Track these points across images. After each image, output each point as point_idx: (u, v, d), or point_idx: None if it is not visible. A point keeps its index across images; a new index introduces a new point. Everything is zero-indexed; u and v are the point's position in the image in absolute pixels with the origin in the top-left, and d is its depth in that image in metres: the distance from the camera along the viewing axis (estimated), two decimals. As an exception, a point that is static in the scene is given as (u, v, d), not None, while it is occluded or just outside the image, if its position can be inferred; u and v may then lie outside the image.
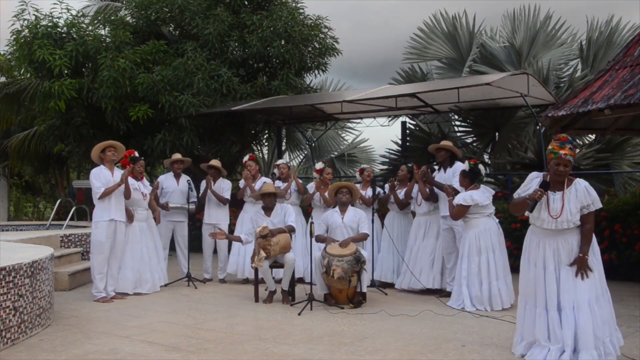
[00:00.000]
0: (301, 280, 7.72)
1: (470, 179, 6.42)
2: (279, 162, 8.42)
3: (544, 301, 4.35)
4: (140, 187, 7.33)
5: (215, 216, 8.21)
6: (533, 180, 4.45)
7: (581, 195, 4.25)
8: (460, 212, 6.29)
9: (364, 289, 6.50)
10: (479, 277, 6.26)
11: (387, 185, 7.91)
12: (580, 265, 4.22)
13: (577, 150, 10.50)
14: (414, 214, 7.63)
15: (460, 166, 6.71)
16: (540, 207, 4.33)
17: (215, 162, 8.28)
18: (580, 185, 4.29)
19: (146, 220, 7.50)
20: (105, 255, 6.87)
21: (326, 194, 7.63)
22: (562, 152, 4.24)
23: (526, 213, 4.42)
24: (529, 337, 4.46)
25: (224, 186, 8.24)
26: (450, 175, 6.87)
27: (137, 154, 7.50)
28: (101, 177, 6.86)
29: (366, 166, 8.37)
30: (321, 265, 6.39)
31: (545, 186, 4.29)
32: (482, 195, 6.32)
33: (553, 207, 4.28)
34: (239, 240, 7.24)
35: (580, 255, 4.23)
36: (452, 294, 6.54)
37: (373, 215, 7.56)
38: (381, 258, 7.73)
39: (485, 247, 6.29)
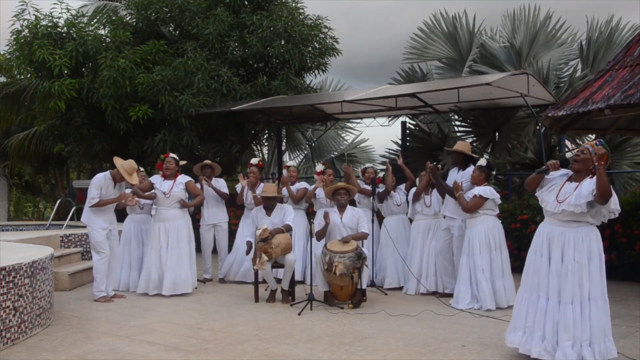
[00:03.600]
0: (300, 282, 7.70)
1: (486, 175, 6.47)
2: (290, 164, 8.36)
3: (538, 289, 4.35)
4: (163, 186, 7.16)
5: (215, 215, 8.20)
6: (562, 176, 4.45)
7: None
8: (477, 205, 6.31)
9: (364, 286, 6.51)
10: (485, 274, 6.27)
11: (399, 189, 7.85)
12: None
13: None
14: (410, 220, 7.59)
15: (471, 170, 6.68)
16: (551, 191, 4.32)
17: (208, 161, 8.28)
18: None
19: (172, 221, 7.15)
20: (106, 254, 6.88)
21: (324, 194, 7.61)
22: (587, 144, 4.31)
23: (538, 192, 4.41)
24: (522, 325, 4.43)
25: (219, 184, 8.23)
26: (459, 177, 6.81)
27: (171, 155, 7.36)
28: (102, 188, 6.83)
29: (369, 165, 8.34)
30: (322, 262, 6.39)
31: (564, 163, 4.30)
32: (496, 193, 6.42)
33: (564, 192, 4.26)
34: (250, 246, 6.99)
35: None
36: (454, 293, 6.54)
37: (373, 216, 7.55)
38: (382, 262, 7.68)
39: (494, 244, 6.35)
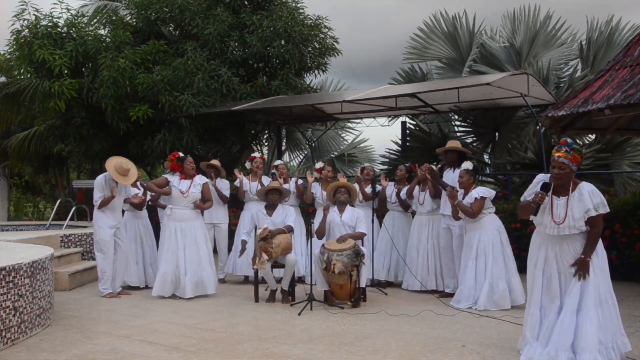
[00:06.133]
0: (302, 280, 7.71)
1: (475, 178, 6.56)
2: (277, 163, 8.37)
3: (539, 302, 4.35)
4: (181, 185, 7.02)
5: (215, 216, 8.19)
6: (538, 184, 4.39)
7: (585, 199, 4.16)
8: (481, 206, 6.36)
9: (363, 284, 6.51)
10: (501, 274, 6.29)
11: (388, 186, 7.91)
12: (581, 267, 4.16)
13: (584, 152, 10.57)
14: (413, 213, 7.64)
15: (467, 165, 6.72)
16: (544, 211, 4.27)
17: (215, 162, 8.30)
18: (585, 189, 4.20)
19: (188, 221, 7.05)
20: (110, 253, 7.01)
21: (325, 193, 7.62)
22: (556, 154, 4.22)
23: (531, 217, 4.37)
24: (532, 337, 4.41)
25: (222, 186, 8.24)
26: (455, 176, 6.85)
27: (181, 155, 7.21)
28: (104, 189, 7.01)
29: (367, 164, 8.37)
30: (321, 261, 6.39)
31: (545, 188, 4.25)
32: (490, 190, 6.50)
33: (557, 212, 4.22)
34: (244, 244, 7.07)
35: (582, 256, 4.16)
36: (455, 293, 6.54)
37: (373, 216, 7.56)
38: (379, 256, 7.73)
39: (505, 242, 6.40)
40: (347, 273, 6.26)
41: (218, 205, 8.21)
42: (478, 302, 6.25)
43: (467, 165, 6.58)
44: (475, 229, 6.43)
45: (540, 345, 4.26)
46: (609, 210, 4.23)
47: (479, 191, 6.40)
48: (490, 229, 6.39)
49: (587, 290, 4.17)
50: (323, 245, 6.55)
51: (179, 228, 7.02)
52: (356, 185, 7.59)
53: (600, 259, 4.26)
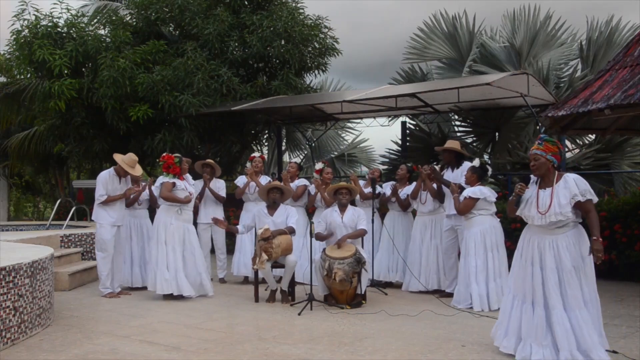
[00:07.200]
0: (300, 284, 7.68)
1: (479, 176, 6.50)
2: (292, 162, 8.50)
3: (532, 297, 4.40)
4: (187, 187, 7.05)
5: (212, 215, 8.17)
6: (531, 185, 4.55)
7: (570, 186, 4.30)
8: (467, 206, 6.33)
9: (363, 290, 6.51)
10: (484, 275, 6.29)
11: (385, 185, 7.92)
12: (596, 249, 4.19)
13: (577, 150, 10.59)
14: (414, 213, 7.64)
15: (468, 165, 6.73)
16: (531, 205, 4.40)
17: (210, 161, 8.30)
18: (570, 177, 4.37)
19: (191, 221, 7.19)
20: (110, 253, 7.03)
21: (326, 193, 7.61)
22: (531, 149, 4.48)
23: (517, 212, 4.50)
24: (515, 332, 4.48)
25: (218, 185, 8.24)
26: (459, 175, 6.88)
27: (176, 157, 7.13)
28: (108, 185, 7.03)
29: (374, 167, 8.38)
30: (322, 268, 6.39)
31: (526, 181, 4.44)
32: (490, 191, 6.43)
33: (542, 203, 4.35)
34: (235, 231, 7.28)
35: (594, 238, 4.21)
36: (455, 293, 6.55)
37: (373, 215, 7.56)
38: (379, 257, 7.73)
39: (491, 245, 6.35)
40: (349, 280, 6.27)
41: (215, 205, 8.20)
42: (469, 302, 6.31)
43: (475, 162, 6.61)
44: (466, 228, 6.49)
45: (541, 345, 4.28)
46: (597, 198, 4.36)
47: (470, 190, 6.38)
48: (475, 231, 6.36)
49: (572, 291, 4.24)
50: (324, 251, 6.54)
51: (188, 228, 7.10)
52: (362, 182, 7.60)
53: (588, 260, 4.29)
